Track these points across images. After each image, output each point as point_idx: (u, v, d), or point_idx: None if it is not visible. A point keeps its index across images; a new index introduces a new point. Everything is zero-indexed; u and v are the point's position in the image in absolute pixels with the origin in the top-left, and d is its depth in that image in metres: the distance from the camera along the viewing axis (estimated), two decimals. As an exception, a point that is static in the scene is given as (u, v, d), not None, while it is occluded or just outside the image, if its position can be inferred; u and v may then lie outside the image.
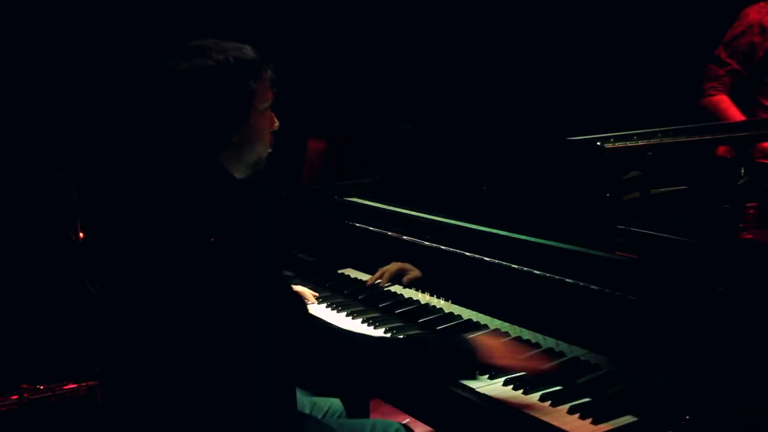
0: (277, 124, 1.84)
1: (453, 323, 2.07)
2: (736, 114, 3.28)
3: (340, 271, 2.52)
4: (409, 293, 2.26)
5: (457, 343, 1.78)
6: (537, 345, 1.87)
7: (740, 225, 2.21)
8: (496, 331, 1.97)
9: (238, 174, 1.75)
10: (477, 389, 1.73)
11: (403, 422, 2.00)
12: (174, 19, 3.72)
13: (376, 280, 2.32)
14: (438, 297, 2.17)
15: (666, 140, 2.46)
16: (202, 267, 1.56)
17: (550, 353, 1.83)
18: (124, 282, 1.67)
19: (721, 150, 3.30)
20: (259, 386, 1.63)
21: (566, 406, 1.62)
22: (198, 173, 1.66)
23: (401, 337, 2.04)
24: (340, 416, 2.21)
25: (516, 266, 1.91)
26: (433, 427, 1.89)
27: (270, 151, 1.83)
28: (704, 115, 3.33)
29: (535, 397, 1.68)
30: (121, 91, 3.57)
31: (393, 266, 2.29)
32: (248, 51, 1.72)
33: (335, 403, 2.22)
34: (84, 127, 3.65)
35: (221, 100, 1.67)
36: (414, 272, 2.25)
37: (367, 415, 2.66)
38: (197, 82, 1.65)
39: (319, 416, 2.16)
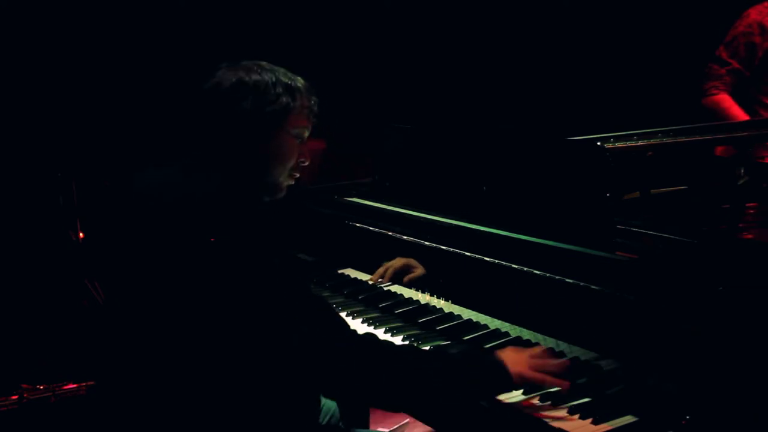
0: (307, 160, 1.83)
1: (453, 323, 2.06)
2: (738, 113, 3.28)
3: (340, 271, 2.52)
4: (409, 293, 2.26)
5: (487, 359, 1.70)
6: (537, 345, 1.87)
7: (740, 225, 2.21)
8: (518, 339, 1.92)
9: (261, 194, 1.76)
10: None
11: (403, 422, 2.00)
12: (170, 18, 3.73)
13: (380, 275, 2.31)
14: (438, 297, 2.17)
15: (666, 140, 2.47)
16: (210, 271, 1.56)
17: (550, 353, 1.83)
18: (136, 287, 1.68)
19: (721, 150, 3.31)
20: (275, 393, 1.63)
21: (566, 407, 1.62)
22: (216, 180, 1.66)
23: (428, 347, 1.94)
24: (332, 417, 2.19)
25: (516, 266, 1.91)
26: (433, 427, 1.88)
27: (291, 183, 1.83)
28: (706, 115, 3.33)
29: (535, 398, 1.68)
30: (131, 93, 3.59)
31: (398, 261, 2.28)
32: (294, 77, 1.76)
33: (329, 403, 2.21)
34: (84, 127, 3.65)
35: (254, 109, 1.69)
36: (418, 269, 2.23)
37: (367, 420, 2.65)
38: (237, 91, 1.68)
39: None
